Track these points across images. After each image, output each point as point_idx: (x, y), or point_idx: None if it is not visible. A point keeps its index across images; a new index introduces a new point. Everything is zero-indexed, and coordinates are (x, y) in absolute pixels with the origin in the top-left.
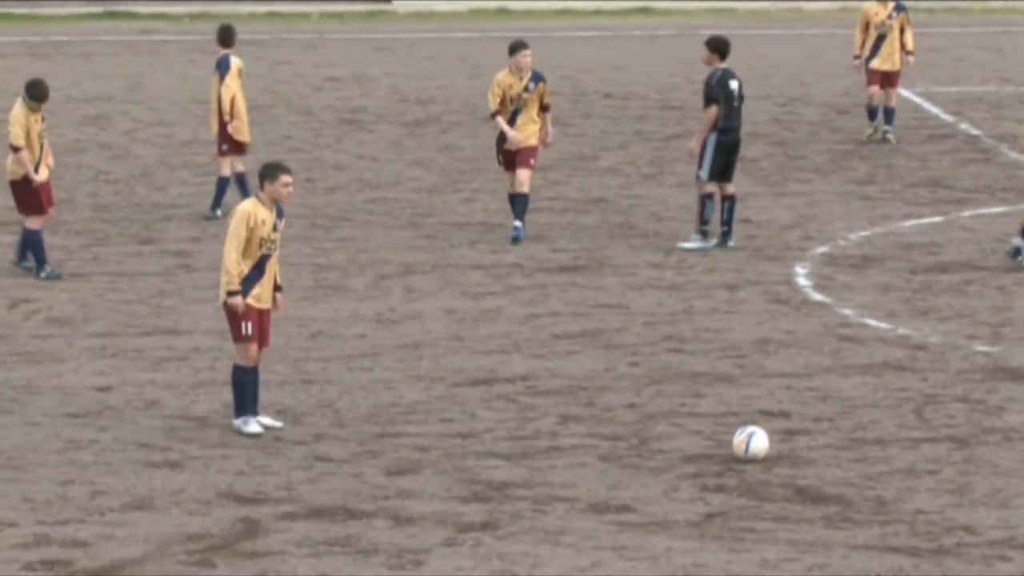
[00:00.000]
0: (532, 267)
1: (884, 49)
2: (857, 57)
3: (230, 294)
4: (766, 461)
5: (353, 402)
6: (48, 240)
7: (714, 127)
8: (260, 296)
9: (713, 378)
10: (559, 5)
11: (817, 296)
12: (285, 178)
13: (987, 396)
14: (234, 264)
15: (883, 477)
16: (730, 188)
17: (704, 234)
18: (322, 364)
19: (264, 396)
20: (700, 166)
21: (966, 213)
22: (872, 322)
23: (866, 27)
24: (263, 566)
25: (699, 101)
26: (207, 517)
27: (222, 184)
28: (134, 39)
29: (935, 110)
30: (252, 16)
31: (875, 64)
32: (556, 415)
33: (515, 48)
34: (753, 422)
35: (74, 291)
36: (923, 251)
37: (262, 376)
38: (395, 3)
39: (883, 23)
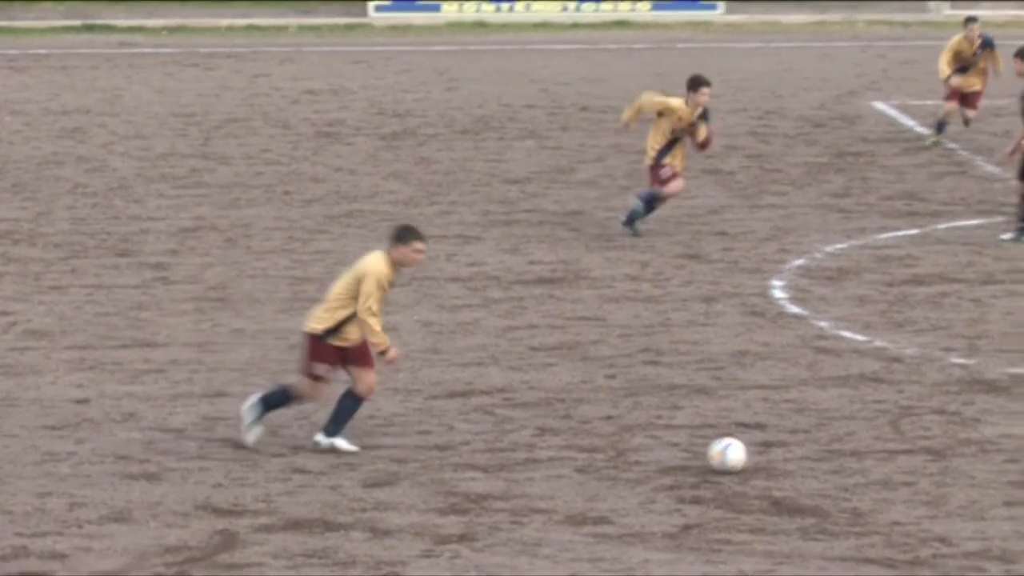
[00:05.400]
0: (509, 279)
1: (969, 75)
2: (948, 77)
3: (383, 353)
4: (743, 473)
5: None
6: (25, 252)
7: None
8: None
9: (690, 390)
10: (537, 18)
11: (793, 308)
12: (418, 244)
13: (963, 408)
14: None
15: (859, 489)
16: None
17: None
18: (299, 377)
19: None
20: None
21: (942, 226)
22: (848, 334)
23: (952, 58)
24: None
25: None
26: (185, 529)
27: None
28: (112, 52)
29: (911, 123)
30: (230, 29)
31: (956, 82)
32: (533, 427)
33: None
34: (730, 434)
35: (52, 303)
36: (899, 264)
37: (247, 389)
38: (372, 16)
39: (969, 58)
